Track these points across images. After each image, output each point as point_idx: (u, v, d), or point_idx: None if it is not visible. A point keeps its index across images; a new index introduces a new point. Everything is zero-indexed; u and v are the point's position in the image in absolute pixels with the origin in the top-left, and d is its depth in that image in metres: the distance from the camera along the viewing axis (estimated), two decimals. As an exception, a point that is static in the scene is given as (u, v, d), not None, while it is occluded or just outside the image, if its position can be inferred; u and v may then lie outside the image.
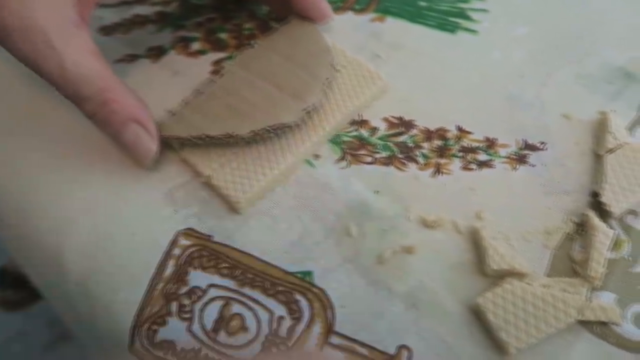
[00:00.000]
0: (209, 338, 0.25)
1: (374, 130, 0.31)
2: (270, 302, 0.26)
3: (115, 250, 0.28)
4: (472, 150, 0.29)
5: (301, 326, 0.25)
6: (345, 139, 0.30)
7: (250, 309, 0.26)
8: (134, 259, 0.28)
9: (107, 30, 0.38)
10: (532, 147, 0.29)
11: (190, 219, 0.29)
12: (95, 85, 0.27)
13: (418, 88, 0.32)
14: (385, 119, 0.31)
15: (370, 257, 0.27)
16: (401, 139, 0.30)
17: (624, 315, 0.24)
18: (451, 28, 0.34)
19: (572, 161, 0.28)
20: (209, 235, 0.28)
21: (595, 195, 0.27)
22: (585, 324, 0.24)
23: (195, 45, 0.36)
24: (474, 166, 0.29)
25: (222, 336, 0.25)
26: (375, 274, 0.26)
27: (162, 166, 0.30)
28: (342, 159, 0.30)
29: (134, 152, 0.29)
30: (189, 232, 0.28)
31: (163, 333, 0.26)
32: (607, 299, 0.24)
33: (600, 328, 0.24)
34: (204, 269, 0.27)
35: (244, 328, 0.25)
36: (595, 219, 0.26)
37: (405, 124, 0.31)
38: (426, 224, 0.27)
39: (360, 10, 0.36)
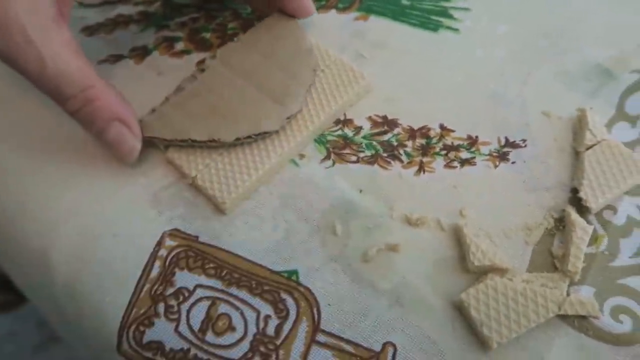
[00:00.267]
0: (197, 338, 0.26)
1: (358, 129, 0.31)
2: (257, 302, 0.26)
3: (102, 252, 0.28)
4: (455, 148, 0.30)
5: (288, 325, 0.25)
6: (330, 138, 0.31)
7: (237, 308, 0.26)
8: (120, 260, 0.28)
9: (90, 30, 0.38)
10: (513, 145, 0.30)
11: (176, 219, 0.29)
12: (76, 83, 0.27)
13: (401, 87, 0.32)
14: (369, 118, 0.31)
15: (355, 255, 0.27)
16: (385, 137, 0.31)
17: (602, 309, 0.25)
18: (434, 27, 0.34)
19: (552, 158, 0.29)
20: (195, 236, 0.28)
21: (574, 191, 0.27)
22: (565, 317, 0.24)
23: (179, 45, 0.36)
24: (456, 164, 0.29)
25: (210, 336, 0.26)
26: (360, 272, 0.27)
27: (147, 168, 0.30)
28: (327, 158, 0.30)
29: (117, 151, 0.29)
30: (175, 233, 0.28)
31: (150, 334, 0.26)
32: (585, 292, 0.25)
33: (579, 321, 0.24)
34: (190, 269, 0.27)
35: (231, 328, 0.25)
36: (574, 215, 0.26)
37: (389, 123, 0.31)
38: (410, 222, 0.28)
39: (344, 9, 0.36)
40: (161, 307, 0.26)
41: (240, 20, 0.37)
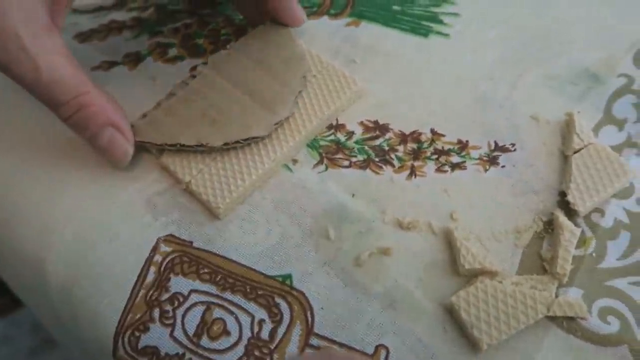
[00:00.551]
0: (192, 343, 0.26)
1: (350, 134, 0.31)
2: (251, 306, 0.26)
3: (98, 257, 0.28)
4: (445, 152, 0.30)
5: (282, 329, 0.26)
6: (323, 143, 0.31)
7: (231, 313, 0.26)
8: (116, 266, 0.28)
9: (83, 36, 0.38)
10: (502, 149, 0.30)
11: (171, 225, 0.29)
12: (70, 89, 0.27)
13: (393, 92, 0.33)
14: (361, 123, 0.32)
15: (348, 259, 0.27)
16: (377, 142, 0.31)
17: (590, 310, 0.25)
18: (424, 32, 0.35)
19: (540, 162, 0.29)
20: (190, 241, 0.28)
21: (563, 194, 0.28)
22: (553, 319, 0.25)
23: (173, 52, 0.36)
24: (447, 168, 0.30)
25: (205, 341, 0.26)
26: (353, 275, 0.27)
27: (142, 173, 0.31)
28: (320, 163, 0.30)
29: (110, 156, 0.29)
30: (170, 239, 0.28)
31: (146, 339, 0.26)
32: (574, 294, 0.25)
33: (567, 323, 0.25)
34: (185, 275, 0.27)
35: (226, 332, 0.26)
36: (562, 218, 0.27)
37: (380, 128, 0.31)
38: (402, 226, 0.28)
39: (335, 15, 0.37)
40: (156, 313, 0.27)
41: (233, 27, 0.37)
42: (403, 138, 0.31)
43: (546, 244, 0.27)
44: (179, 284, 0.27)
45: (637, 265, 0.26)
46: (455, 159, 0.30)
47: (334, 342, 0.25)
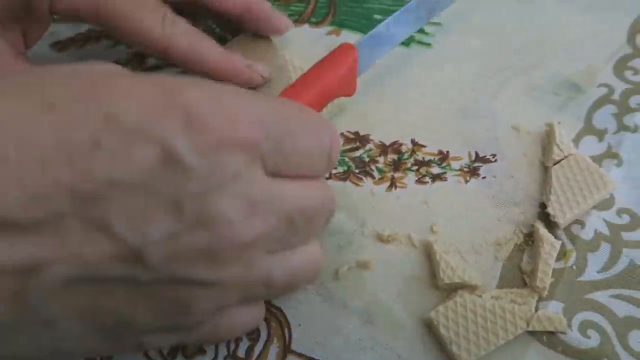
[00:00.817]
0: (167, 360, 0.25)
1: (330, 145, 0.31)
2: (228, 323, 0.26)
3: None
4: (426, 163, 0.30)
5: (259, 346, 0.25)
6: (302, 154, 0.31)
7: (207, 330, 0.26)
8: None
9: (60, 45, 0.37)
10: (483, 160, 0.30)
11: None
12: None
13: (373, 102, 0.32)
14: (342, 135, 0.31)
15: (327, 273, 0.27)
16: (357, 154, 0.31)
17: (570, 324, 0.25)
18: (406, 42, 0.35)
19: (521, 173, 0.29)
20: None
21: (543, 206, 0.28)
22: (534, 334, 0.25)
23: (151, 61, 0.36)
24: (427, 179, 0.29)
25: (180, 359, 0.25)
26: (331, 290, 0.26)
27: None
28: (299, 175, 0.30)
29: None
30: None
31: (118, 357, 0.25)
32: (554, 308, 0.25)
33: (547, 337, 0.25)
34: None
35: (201, 350, 0.25)
36: (542, 230, 0.26)
37: (361, 139, 0.31)
38: (382, 239, 0.28)
39: (316, 23, 0.36)
40: (131, 330, 0.26)
41: (213, 36, 0.36)
42: (383, 149, 0.31)
43: (526, 257, 0.27)
44: (154, 300, 0.27)
45: (617, 277, 0.26)
46: (435, 170, 0.30)
47: (311, 359, 0.25)
